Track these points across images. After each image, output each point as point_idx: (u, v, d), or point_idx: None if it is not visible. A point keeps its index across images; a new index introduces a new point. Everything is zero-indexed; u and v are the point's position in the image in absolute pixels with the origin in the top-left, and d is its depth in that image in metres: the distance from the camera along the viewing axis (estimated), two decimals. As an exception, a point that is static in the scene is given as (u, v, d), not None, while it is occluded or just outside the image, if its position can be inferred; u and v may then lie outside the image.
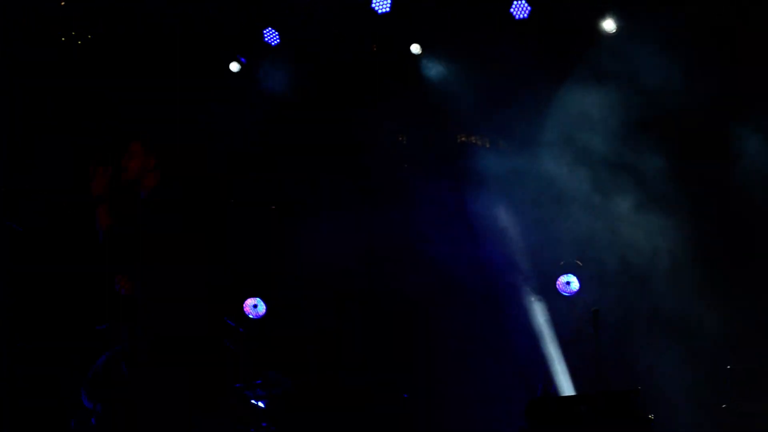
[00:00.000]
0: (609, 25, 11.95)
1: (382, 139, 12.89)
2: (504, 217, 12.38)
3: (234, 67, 12.63)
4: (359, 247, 12.60)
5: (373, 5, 12.21)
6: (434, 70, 12.54)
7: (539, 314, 12.05)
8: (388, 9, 12.17)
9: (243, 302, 12.39)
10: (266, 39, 12.52)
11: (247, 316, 12.35)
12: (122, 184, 7.88)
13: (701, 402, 11.07)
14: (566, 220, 12.02)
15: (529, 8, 12.01)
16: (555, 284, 12.05)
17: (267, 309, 12.42)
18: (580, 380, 11.61)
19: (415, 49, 12.49)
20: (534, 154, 12.26)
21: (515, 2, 12.02)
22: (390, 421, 12.20)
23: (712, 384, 11.05)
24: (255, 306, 12.36)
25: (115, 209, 7.75)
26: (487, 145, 12.88)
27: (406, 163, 12.99)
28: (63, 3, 11.87)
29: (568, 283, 12.04)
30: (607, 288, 11.73)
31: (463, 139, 13.00)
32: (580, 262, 12.05)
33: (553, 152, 12.16)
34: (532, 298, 12.06)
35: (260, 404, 11.48)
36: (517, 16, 12.08)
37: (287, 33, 12.42)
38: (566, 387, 11.63)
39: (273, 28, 12.40)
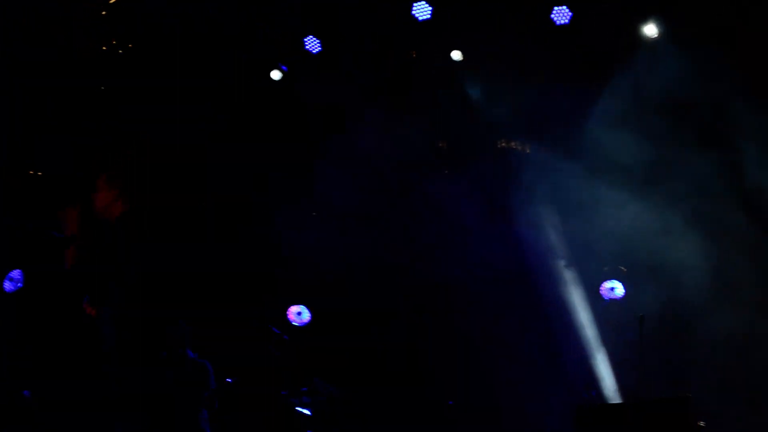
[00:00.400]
0: (650, 29, 11.93)
1: (423, 144, 12.91)
2: (544, 221, 12.41)
3: (275, 75, 12.67)
4: (402, 247, 12.62)
5: (414, 12, 12.23)
6: (474, 80, 12.55)
7: (584, 318, 12.06)
8: (429, 16, 12.19)
9: (286, 310, 12.43)
10: (307, 47, 12.56)
11: (291, 324, 12.39)
12: (92, 220, 7.96)
13: (751, 408, 11.04)
14: (606, 224, 12.00)
15: (570, 14, 11.99)
16: (599, 289, 12.06)
17: (311, 316, 12.45)
18: (626, 386, 11.61)
19: (456, 55, 12.50)
20: (573, 158, 12.27)
21: (556, 8, 12.01)
22: (434, 426, 12.23)
23: (762, 390, 11.03)
24: (299, 313, 12.40)
25: (85, 246, 7.83)
26: (527, 150, 12.89)
27: (446, 168, 13.02)
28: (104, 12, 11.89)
29: (612, 288, 12.04)
30: (652, 293, 11.70)
31: (503, 144, 13.01)
32: (624, 268, 12.04)
33: (593, 156, 12.16)
34: (577, 302, 12.06)
35: (306, 411, 11.53)
36: (557, 22, 12.06)
37: (328, 39, 12.46)
38: (612, 392, 11.63)
39: (314, 36, 12.46)
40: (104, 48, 11.98)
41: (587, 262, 12.14)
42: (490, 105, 12.55)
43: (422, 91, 12.60)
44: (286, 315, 12.35)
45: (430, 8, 12.16)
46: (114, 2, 11.95)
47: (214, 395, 10.81)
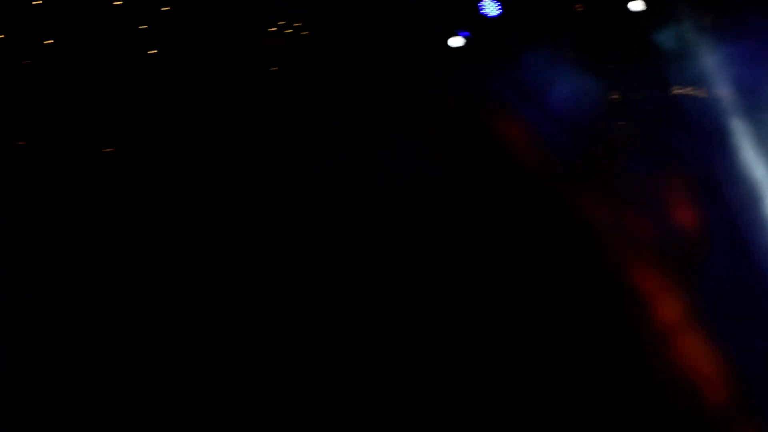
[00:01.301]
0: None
1: (594, 96, 13.09)
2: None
3: (455, 42, 13.23)
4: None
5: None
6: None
7: None
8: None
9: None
10: (482, 11, 13.19)
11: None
12: None
13: None
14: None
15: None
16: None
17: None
18: None
19: (636, 6, 12.75)
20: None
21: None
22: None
23: None
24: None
25: None
26: (705, 95, 12.84)
27: (621, 119, 13.12)
28: None
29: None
30: None
31: (677, 90, 13.06)
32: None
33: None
34: None
35: None
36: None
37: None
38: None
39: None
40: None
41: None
42: (665, 51, 12.67)
43: (592, 40, 12.95)
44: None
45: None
46: None
47: None
